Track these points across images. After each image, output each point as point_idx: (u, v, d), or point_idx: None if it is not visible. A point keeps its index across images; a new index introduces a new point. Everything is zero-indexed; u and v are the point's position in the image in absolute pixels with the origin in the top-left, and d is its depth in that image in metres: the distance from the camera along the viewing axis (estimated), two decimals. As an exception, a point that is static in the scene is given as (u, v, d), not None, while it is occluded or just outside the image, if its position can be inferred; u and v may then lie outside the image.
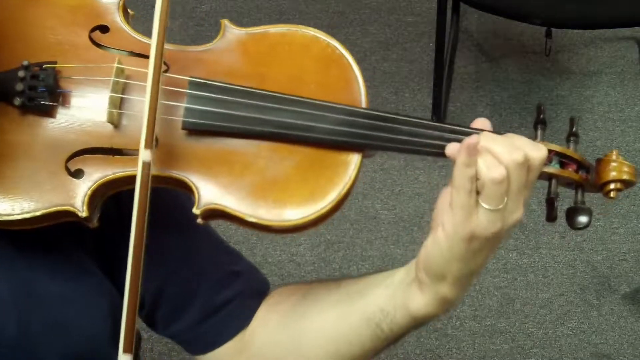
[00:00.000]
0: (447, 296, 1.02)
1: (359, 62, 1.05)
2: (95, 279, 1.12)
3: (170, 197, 1.11)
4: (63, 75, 1.02)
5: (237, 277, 1.20)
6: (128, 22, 1.07)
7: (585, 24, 2.66)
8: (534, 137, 1.04)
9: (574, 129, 1.07)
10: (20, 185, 1.00)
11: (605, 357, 2.34)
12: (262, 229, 1.02)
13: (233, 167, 1.02)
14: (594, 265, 2.50)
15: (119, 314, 0.97)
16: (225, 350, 1.19)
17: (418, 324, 1.06)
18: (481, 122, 1.02)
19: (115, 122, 1.01)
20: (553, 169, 1.04)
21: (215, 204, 1.01)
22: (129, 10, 1.08)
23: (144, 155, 0.96)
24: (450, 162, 0.99)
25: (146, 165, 0.96)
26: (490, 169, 0.96)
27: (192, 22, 3.06)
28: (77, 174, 1.01)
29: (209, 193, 1.01)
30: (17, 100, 1.00)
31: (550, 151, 1.02)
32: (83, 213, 1.00)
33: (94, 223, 1.02)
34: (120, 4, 1.07)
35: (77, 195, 1.00)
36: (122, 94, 1.02)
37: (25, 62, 1.01)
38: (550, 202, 1.03)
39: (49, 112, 1.01)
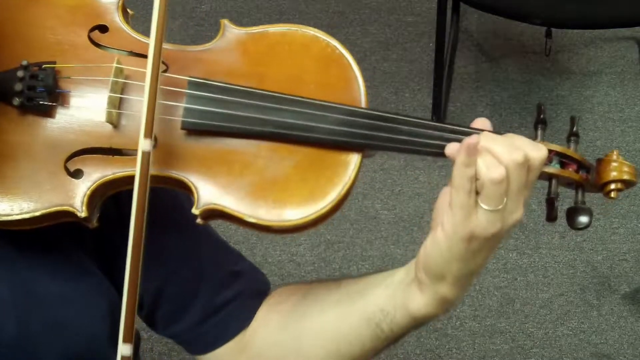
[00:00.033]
0: (447, 296, 1.02)
1: (359, 62, 1.05)
2: (95, 279, 1.12)
3: (170, 197, 1.11)
4: (62, 75, 1.02)
5: (238, 277, 1.20)
6: (127, 22, 1.07)
7: (585, 24, 2.66)
8: (534, 137, 1.03)
9: (574, 129, 1.06)
10: (19, 185, 1.00)
11: (605, 357, 2.33)
12: (262, 229, 1.02)
13: (232, 167, 1.01)
14: (594, 265, 2.49)
15: (118, 313, 0.97)
16: (226, 351, 1.19)
17: (418, 324, 1.05)
18: (481, 122, 1.02)
19: (114, 122, 1.01)
20: (553, 169, 1.03)
21: (215, 204, 1.00)
22: (128, 10, 1.08)
23: (144, 144, 0.95)
24: (450, 162, 0.99)
25: (146, 155, 0.95)
26: (489, 169, 0.95)
27: (192, 22, 3.06)
28: (77, 174, 1.00)
29: (209, 193, 1.00)
30: (16, 100, 1.00)
31: (550, 151, 1.02)
32: (82, 213, 1.00)
33: (94, 223, 1.02)
34: (120, 4, 1.07)
35: (77, 196, 1.00)
36: (121, 94, 1.02)
37: (24, 62, 1.01)
38: (551, 202, 1.03)
39: (48, 112, 1.01)
